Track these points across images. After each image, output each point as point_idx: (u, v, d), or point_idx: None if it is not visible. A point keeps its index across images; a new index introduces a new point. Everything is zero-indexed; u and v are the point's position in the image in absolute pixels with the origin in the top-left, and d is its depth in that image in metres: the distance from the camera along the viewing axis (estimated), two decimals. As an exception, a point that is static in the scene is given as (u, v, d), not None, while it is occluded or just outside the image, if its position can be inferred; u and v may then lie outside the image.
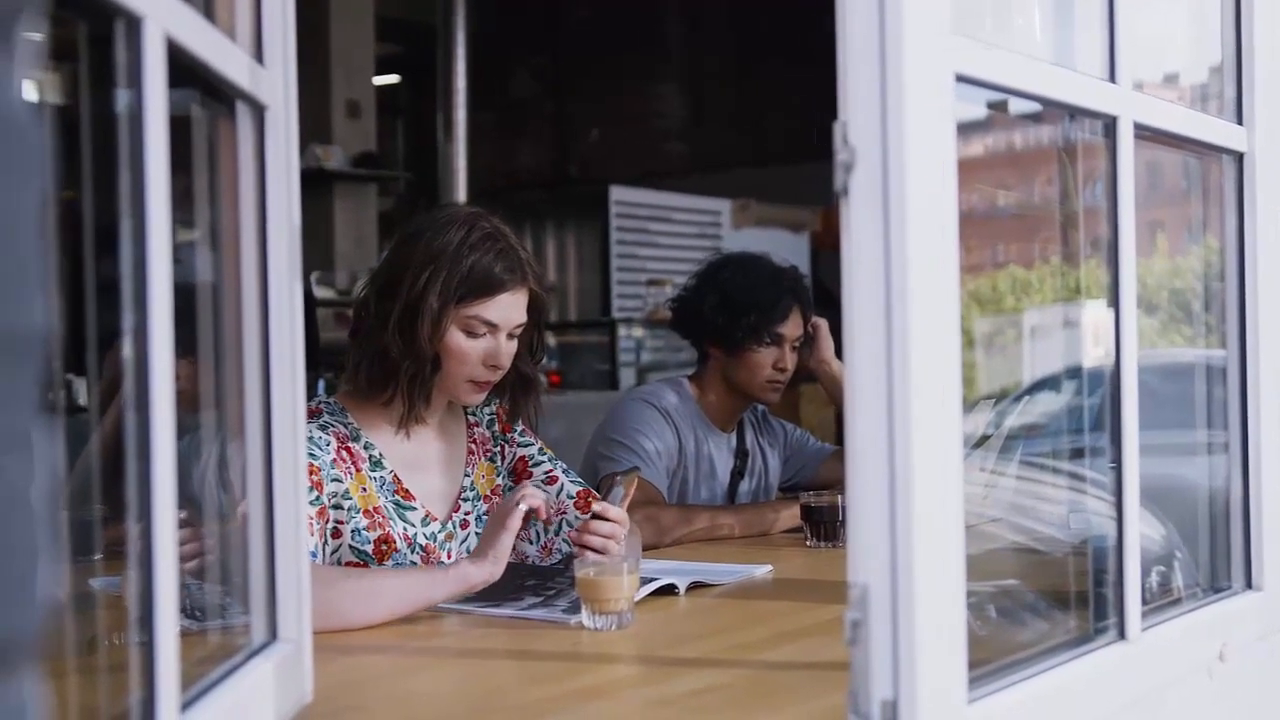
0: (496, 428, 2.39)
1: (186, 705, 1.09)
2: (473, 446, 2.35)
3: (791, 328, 3.00)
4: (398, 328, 2.13)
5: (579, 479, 2.38)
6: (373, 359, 2.17)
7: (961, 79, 1.24)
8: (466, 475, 2.32)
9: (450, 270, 2.13)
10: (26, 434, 0.55)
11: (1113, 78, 1.51)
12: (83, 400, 2.71)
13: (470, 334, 2.16)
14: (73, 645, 1.20)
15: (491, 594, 2.05)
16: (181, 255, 1.12)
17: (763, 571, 2.35)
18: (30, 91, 0.57)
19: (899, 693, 1.16)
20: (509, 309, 2.18)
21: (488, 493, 2.34)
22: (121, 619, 1.41)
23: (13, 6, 0.56)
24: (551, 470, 2.37)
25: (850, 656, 1.18)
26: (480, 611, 1.97)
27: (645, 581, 2.03)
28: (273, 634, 1.37)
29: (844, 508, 2.64)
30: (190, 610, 1.35)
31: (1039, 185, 2.08)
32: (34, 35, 0.59)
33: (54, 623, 0.60)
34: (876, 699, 1.17)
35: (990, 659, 1.34)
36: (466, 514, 2.30)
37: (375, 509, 2.16)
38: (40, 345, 0.56)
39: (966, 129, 1.29)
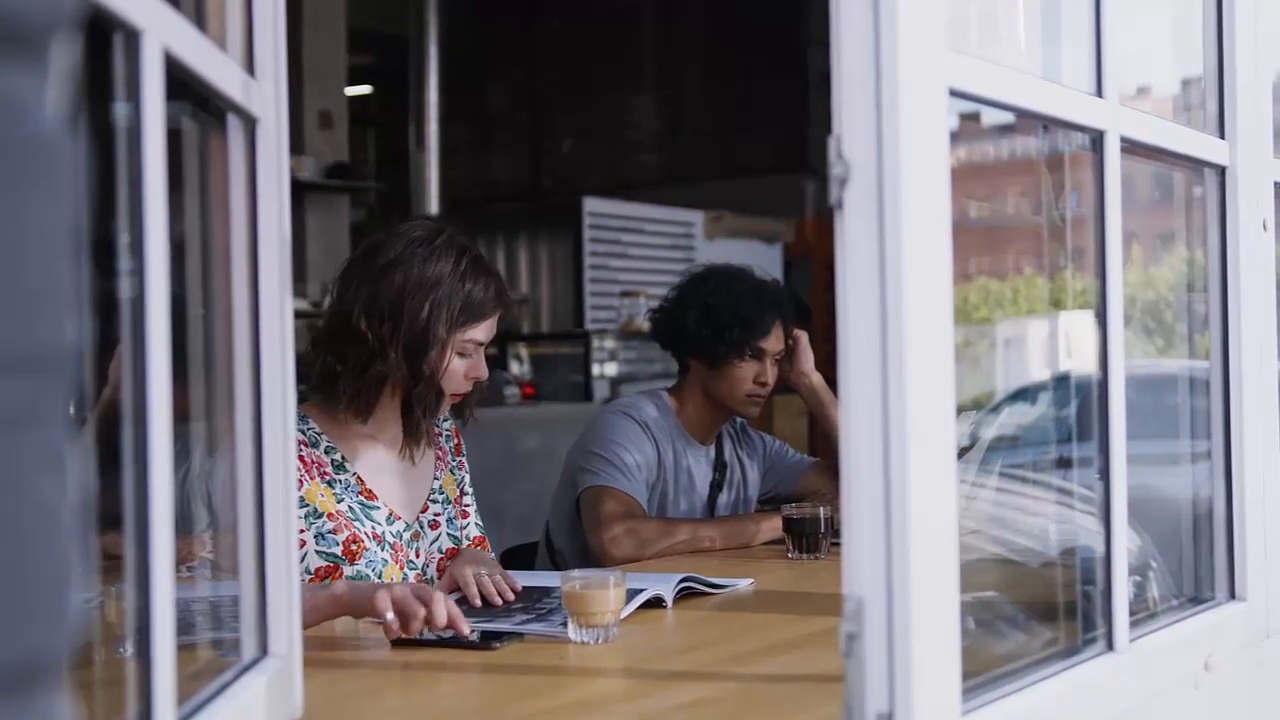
0: (452, 445, 2.48)
1: (181, 722, 1.09)
2: (440, 454, 2.44)
3: (773, 343, 3.00)
4: (405, 358, 2.21)
5: (481, 524, 2.46)
6: (373, 384, 2.23)
7: (955, 93, 1.24)
8: (436, 478, 2.40)
9: (451, 300, 2.23)
10: (59, 451, 0.54)
11: (1100, 92, 1.52)
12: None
13: (462, 355, 2.27)
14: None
15: (482, 612, 2.04)
16: (172, 268, 1.11)
17: (745, 584, 2.35)
18: (62, 108, 0.57)
19: (894, 705, 1.16)
20: (493, 327, 2.32)
21: (454, 498, 2.43)
22: (107, 634, 1.40)
23: (46, 25, 0.56)
24: (469, 506, 2.49)
25: (845, 669, 1.18)
26: (475, 627, 1.95)
27: (633, 594, 2.02)
28: (263, 649, 1.36)
29: (825, 519, 2.65)
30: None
31: (1011, 197, 2.09)
32: (67, 51, 0.59)
33: (81, 639, 0.60)
34: (872, 711, 1.17)
35: (981, 671, 1.34)
36: (436, 515, 2.38)
37: (338, 512, 2.21)
38: (72, 362, 0.56)
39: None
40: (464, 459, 2.50)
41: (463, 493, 2.48)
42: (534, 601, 2.11)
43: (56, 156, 0.56)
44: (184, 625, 1.42)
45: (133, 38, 0.99)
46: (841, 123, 1.19)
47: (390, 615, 1.79)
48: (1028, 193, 1.92)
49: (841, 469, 1.19)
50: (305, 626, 1.89)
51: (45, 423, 0.54)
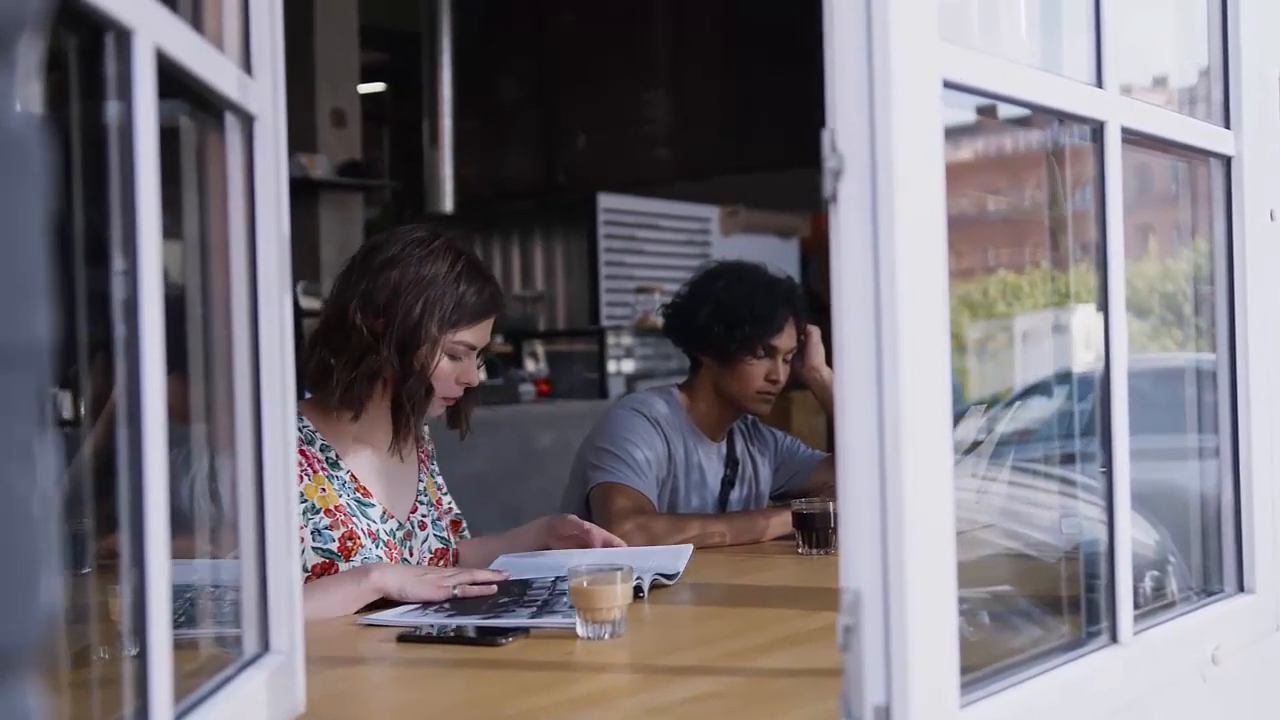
0: (431, 450, 2.53)
1: (179, 717, 1.09)
2: (423, 457, 2.48)
3: (785, 340, 3.00)
4: (397, 353, 2.24)
5: (445, 536, 2.47)
6: (365, 378, 2.26)
7: (949, 85, 1.24)
8: (420, 480, 2.45)
9: (445, 300, 2.26)
10: (29, 443, 0.55)
11: (1100, 82, 1.52)
12: (67, 414, 2.70)
13: (452, 357, 2.30)
14: (64, 658, 1.20)
15: (479, 609, 2.03)
16: (169, 267, 1.12)
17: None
18: (30, 105, 0.58)
19: (891, 698, 1.16)
20: (487, 332, 2.34)
21: (435, 501, 2.47)
22: (109, 632, 1.40)
23: (15, 22, 0.56)
24: (447, 497, 2.53)
25: (843, 662, 1.18)
26: (484, 624, 1.94)
27: None
28: (265, 645, 1.37)
29: (835, 514, 2.64)
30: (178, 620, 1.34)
31: (1028, 190, 2.08)
32: (34, 49, 0.60)
33: (52, 634, 0.60)
34: (869, 704, 1.17)
35: (983, 664, 1.34)
36: (423, 516, 2.42)
37: (337, 507, 2.25)
38: (43, 356, 0.57)
39: (956, 133, 1.29)
40: (435, 465, 2.53)
41: (443, 493, 2.52)
42: (522, 595, 2.10)
43: (27, 153, 0.56)
44: (192, 621, 1.42)
45: (124, 37, 0.99)
46: (835, 116, 1.19)
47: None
48: (1045, 186, 1.91)
49: (838, 460, 1.19)
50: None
51: (15, 415, 0.55)
